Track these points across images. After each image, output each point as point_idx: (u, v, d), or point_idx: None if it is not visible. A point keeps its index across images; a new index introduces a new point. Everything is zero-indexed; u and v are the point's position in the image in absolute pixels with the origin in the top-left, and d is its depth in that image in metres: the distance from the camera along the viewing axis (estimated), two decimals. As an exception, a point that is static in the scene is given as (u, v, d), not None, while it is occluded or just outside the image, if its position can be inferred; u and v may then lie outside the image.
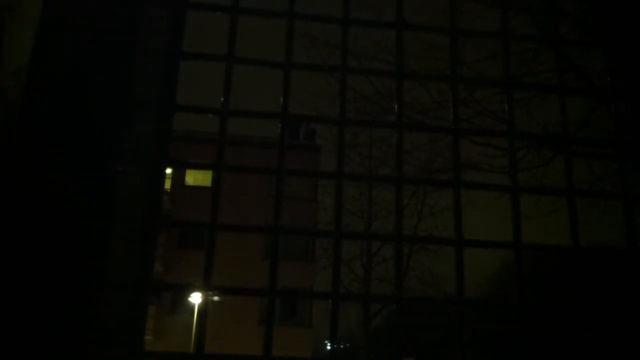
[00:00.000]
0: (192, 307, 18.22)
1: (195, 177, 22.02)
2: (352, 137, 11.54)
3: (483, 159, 7.99)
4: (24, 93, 0.71)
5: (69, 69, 0.73)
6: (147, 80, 0.82)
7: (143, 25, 0.79)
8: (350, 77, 0.90)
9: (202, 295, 0.77)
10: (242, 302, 18.90)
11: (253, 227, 0.85)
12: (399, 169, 0.88)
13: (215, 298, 0.79)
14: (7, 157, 0.69)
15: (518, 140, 0.96)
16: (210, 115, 0.86)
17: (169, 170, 0.88)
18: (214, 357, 0.75)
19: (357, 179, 0.96)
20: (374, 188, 20.59)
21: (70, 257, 0.66)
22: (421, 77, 2.80)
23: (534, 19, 6.71)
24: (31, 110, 0.71)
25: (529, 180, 7.66)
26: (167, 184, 20.66)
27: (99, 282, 0.67)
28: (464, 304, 0.81)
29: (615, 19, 1.05)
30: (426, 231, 20.24)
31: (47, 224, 0.67)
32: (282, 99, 0.89)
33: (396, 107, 0.93)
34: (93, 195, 0.69)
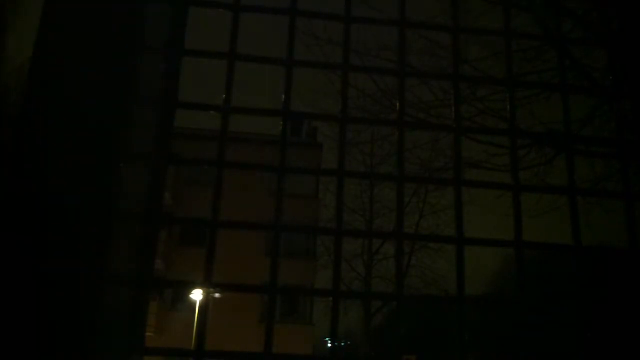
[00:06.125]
0: (193, 304, 18.27)
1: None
2: (354, 135, 11.53)
3: (485, 158, 7.97)
4: (26, 90, 0.71)
5: (70, 65, 0.73)
6: (149, 77, 0.82)
7: (145, 22, 0.79)
8: (353, 75, 0.90)
9: (204, 293, 0.78)
10: (243, 299, 18.91)
11: (254, 224, 0.85)
12: (401, 167, 0.87)
13: (217, 295, 0.79)
14: (8, 153, 0.69)
15: (520, 138, 0.95)
16: (212, 112, 0.86)
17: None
18: (214, 353, 0.75)
19: (358, 177, 0.96)
20: (375, 186, 20.60)
21: (71, 254, 0.67)
22: (423, 75, 2.80)
23: (537, 17, 6.68)
24: (32, 106, 0.71)
25: (531, 178, 7.64)
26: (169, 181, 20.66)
27: (99, 278, 0.67)
28: (465, 303, 0.81)
29: (619, 18, 1.04)
30: (427, 229, 20.26)
31: (48, 221, 0.67)
32: (284, 97, 0.89)
33: (398, 105, 0.93)
34: (94, 192, 0.69)
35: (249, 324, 19.34)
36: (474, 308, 0.83)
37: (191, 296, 17.82)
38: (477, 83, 7.65)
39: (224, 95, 0.86)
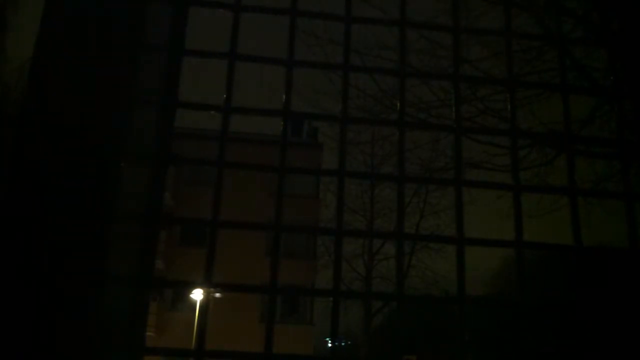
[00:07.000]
0: (193, 304, 18.28)
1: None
2: (354, 135, 11.53)
3: (486, 158, 7.97)
4: (26, 89, 0.71)
5: (70, 65, 0.73)
6: (149, 76, 0.82)
7: (145, 22, 0.79)
8: (353, 75, 0.90)
9: (204, 293, 0.78)
10: (243, 299, 18.92)
11: (254, 224, 0.85)
12: (401, 167, 0.87)
13: (217, 295, 0.79)
14: (8, 153, 0.69)
15: (521, 138, 0.95)
16: (212, 112, 0.86)
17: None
18: (214, 353, 0.75)
19: (359, 177, 0.96)
20: (376, 186, 20.59)
21: (71, 254, 0.66)
22: (423, 75, 2.80)
23: (537, 17, 6.68)
24: (32, 106, 0.71)
25: (532, 178, 7.64)
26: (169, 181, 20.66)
27: (99, 278, 0.67)
28: (465, 303, 0.81)
29: (619, 18, 1.04)
30: (428, 230, 20.24)
31: (48, 221, 0.67)
32: (284, 97, 0.89)
33: (398, 105, 0.92)
34: (94, 192, 0.69)
35: (249, 324, 19.34)
36: (474, 308, 0.83)
37: (191, 296, 17.83)
38: (477, 83, 7.64)
39: (224, 95, 0.86)
